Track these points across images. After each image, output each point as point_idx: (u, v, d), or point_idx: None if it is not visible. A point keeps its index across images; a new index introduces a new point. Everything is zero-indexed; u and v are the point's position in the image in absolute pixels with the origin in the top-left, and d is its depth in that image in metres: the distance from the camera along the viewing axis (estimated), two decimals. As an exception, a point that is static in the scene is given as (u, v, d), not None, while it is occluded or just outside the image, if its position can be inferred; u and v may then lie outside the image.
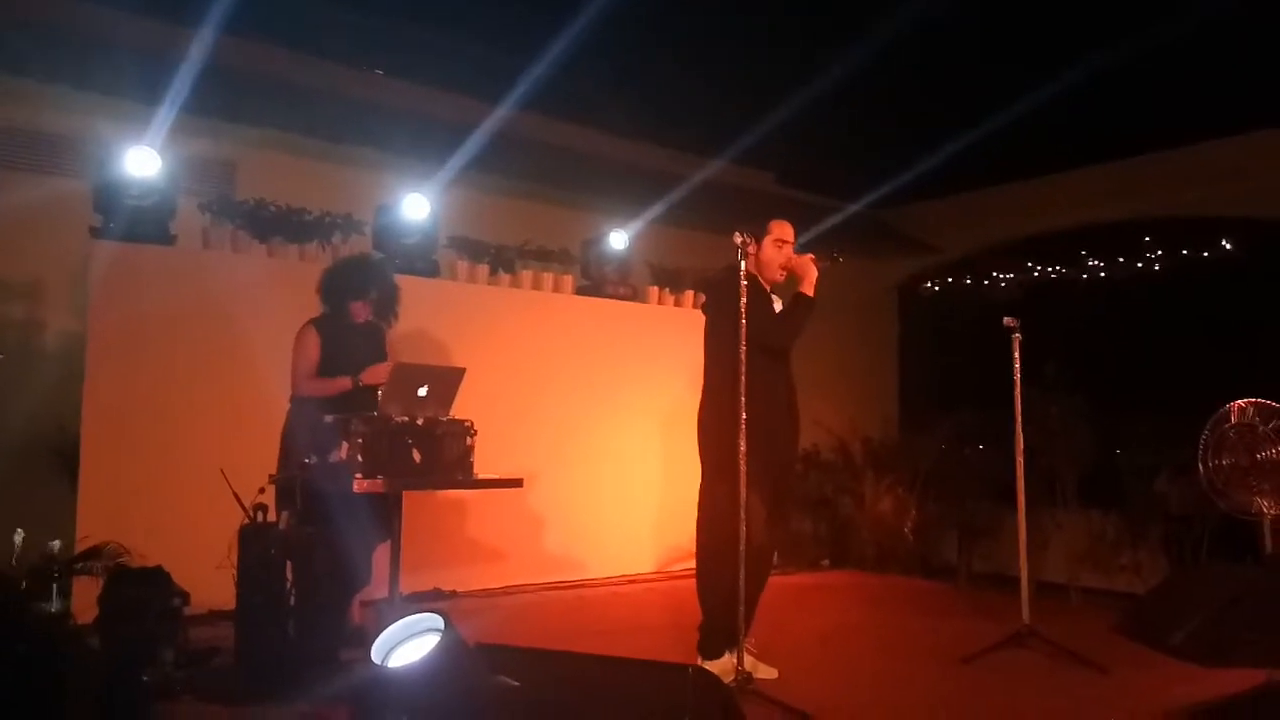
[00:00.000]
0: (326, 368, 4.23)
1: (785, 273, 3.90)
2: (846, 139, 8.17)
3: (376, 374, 4.16)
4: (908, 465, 7.67)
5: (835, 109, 7.30)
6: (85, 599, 3.79)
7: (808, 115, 7.04)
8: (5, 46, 5.47)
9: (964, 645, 4.29)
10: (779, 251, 3.87)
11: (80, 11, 6.08)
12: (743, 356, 3.48)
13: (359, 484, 3.64)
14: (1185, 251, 8.28)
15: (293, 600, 3.57)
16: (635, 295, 6.89)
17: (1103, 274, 8.76)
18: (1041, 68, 6.50)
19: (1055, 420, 6.94)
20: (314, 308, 4.36)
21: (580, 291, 6.73)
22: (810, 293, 3.83)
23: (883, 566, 7.11)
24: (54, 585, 3.69)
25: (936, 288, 10.05)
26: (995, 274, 9.45)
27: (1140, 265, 8.50)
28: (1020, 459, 4.36)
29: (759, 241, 3.84)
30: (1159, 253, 8.47)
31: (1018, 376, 4.32)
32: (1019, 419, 4.33)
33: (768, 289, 3.91)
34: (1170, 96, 7.11)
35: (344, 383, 4.18)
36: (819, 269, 3.85)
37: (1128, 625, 4.87)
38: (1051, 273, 9.09)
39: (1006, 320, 4.32)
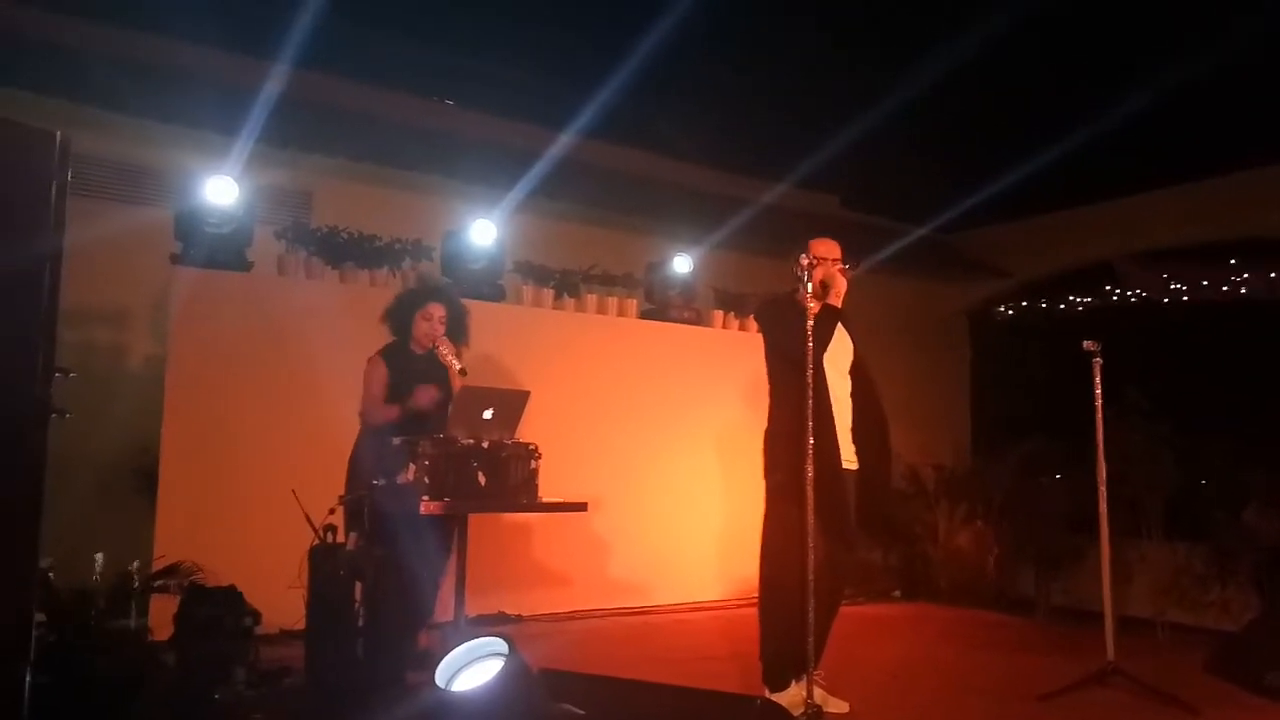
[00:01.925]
0: (394, 396, 4.27)
1: (825, 288, 3.88)
2: (913, 162, 8.04)
3: (421, 396, 4.18)
4: (981, 494, 7.44)
5: (902, 131, 7.18)
6: (162, 615, 3.88)
7: (873, 138, 6.95)
8: (96, 83, 5.71)
9: (1043, 682, 4.13)
10: (819, 267, 3.86)
11: (165, 48, 6.32)
12: (809, 379, 3.43)
13: (425, 505, 3.67)
14: (1274, 274, 7.94)
15: (361, 621, 3.60)
16: (700, 319, 6.86)
17: (1186, 297, 8.44)
18: (1118, 85, 6.32)
19: (1138, 447, 6.65)
20: (383, 332, 4.42)
21: (645, 316, 6.73)
22: (837, 304, 3.84)
23: (956, 599, 6.90)
24: (132, 603, 3.78)
25: (1010, 312, 9.80)
26: (1071, 297, 9.18)
27: (1226, 288, 8.17)
28: (1103, 488, 4.19)
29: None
30: (1245, 275, 8.14)
31: (1099, 402, 4.16)
32: (1101, 446, 4.17)
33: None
34: (1256, 113, 6.85)
35: (393, 411, 4.17)
36: (846, 280, 3.86)
37: (1218, 664, 4.65)
38: (1131, 296, 8.79)
39: (1087, 344, 4.17)
